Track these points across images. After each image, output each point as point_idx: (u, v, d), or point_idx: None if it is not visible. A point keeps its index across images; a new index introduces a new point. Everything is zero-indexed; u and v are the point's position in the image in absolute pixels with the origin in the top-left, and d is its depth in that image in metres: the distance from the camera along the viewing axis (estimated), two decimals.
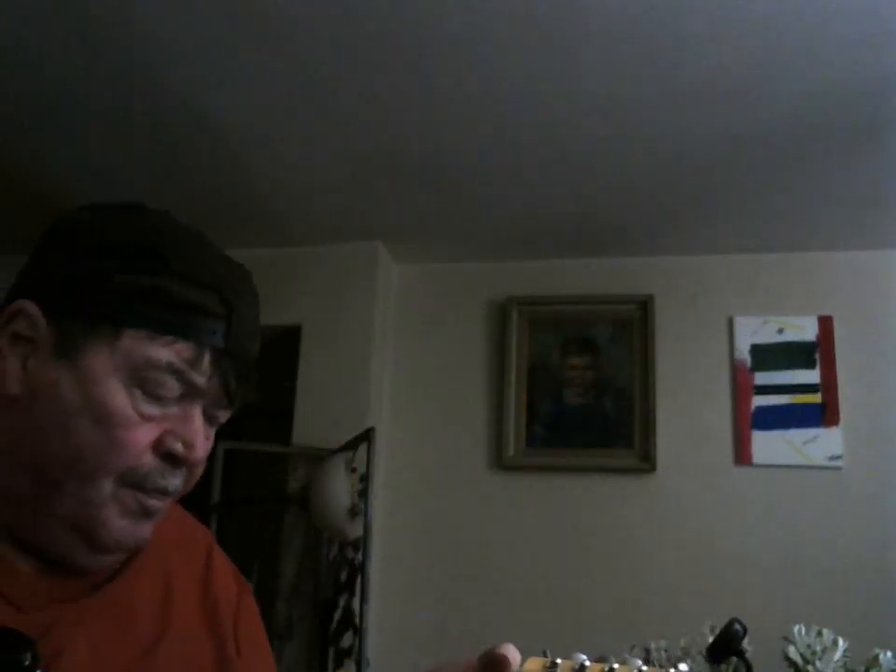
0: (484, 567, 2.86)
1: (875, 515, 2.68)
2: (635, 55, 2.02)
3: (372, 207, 2.85)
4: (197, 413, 0.73)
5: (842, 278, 2.92)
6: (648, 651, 1.90)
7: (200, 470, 0.76)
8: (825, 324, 2.87)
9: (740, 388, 2.88)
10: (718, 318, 2.96)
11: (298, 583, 2.78)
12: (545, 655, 0.73)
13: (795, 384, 2.84)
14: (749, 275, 2.98)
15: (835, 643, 1.86)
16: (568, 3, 1.86)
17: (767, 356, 2.89)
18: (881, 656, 1.88)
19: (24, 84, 2.22)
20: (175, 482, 0.73)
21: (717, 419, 2.87)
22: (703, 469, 2.83)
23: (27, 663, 0.61)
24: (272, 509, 2.99)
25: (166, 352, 0.70)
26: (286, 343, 3.05)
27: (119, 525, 0.71)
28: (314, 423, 2.91)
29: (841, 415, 2.78)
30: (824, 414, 2.80)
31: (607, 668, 0.72)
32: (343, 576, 2.71)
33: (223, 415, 0.77)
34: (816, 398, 2.82)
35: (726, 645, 0.76)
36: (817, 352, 2.86)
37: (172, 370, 0.70)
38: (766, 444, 2.81)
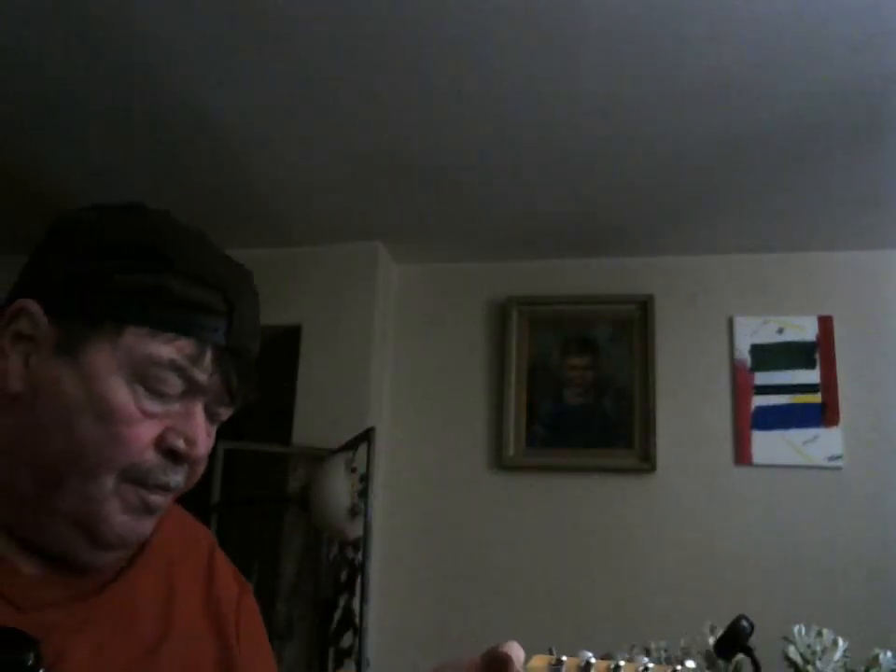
0: (484, 567, 2.86)
1: (875, 515, 2.68)
2: (635, 55, 2.02)
3: (372, 207, 2.85)
4: (199, 410, 0.74)
5: (842, 278, 2.92)
6: (648, 651, 1.90)
7: (202, 467, 0.76)
8: (825, 324, 2.87)
9: (740, 388, 2.88)
10: (718, 318, 2.96)
11: (298, 583, 2.78)
12: (551, 653, 0.73)
13: (795, 384, 2.84)
14: (749, 275, 2.98)
15: (835, 643, 1.86)
16: (568, 3, 1.86)
17: (767, 356, 2.89)
18: (881, 656, 1.88)
19: (24, 84, 2.22)
20: (177, 478, 0.74)
21: (717, 419, 2.87)
22: (703, 469, 2.83)
23: (30, 662, 0.61)
24: (272, 509, 2.99)
25: (168, 349, 0.70)
26: (286, 343, 3.05)
27: (121, 521, 0.71)
28: (314, 423, 2.91)
29: (841, 415, 2.78)
30: (824, 414, 2.80)
31: (612, 666, 0.73)
32: (343, 576, 2.72)
33: (225, 413, 0.78)
34: (816, 398, 2.82)
35: (733, 641, 0.76)
36: (817, 352, 2.86)
37: (174, 366, 0.71)
38: (766, 444, 2.81)
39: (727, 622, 0.86)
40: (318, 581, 2.79)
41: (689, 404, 2.90)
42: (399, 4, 1.88)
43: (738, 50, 1.99)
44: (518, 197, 2.74)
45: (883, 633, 2.15)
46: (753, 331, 2.92)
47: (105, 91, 2.24)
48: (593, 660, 0.73)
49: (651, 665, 0.74)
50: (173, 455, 0.72)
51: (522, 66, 2.08)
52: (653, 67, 2.06)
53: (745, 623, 0.77)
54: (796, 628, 1.89)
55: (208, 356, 0.72)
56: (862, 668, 1.89)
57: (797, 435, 2.80)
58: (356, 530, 2.56)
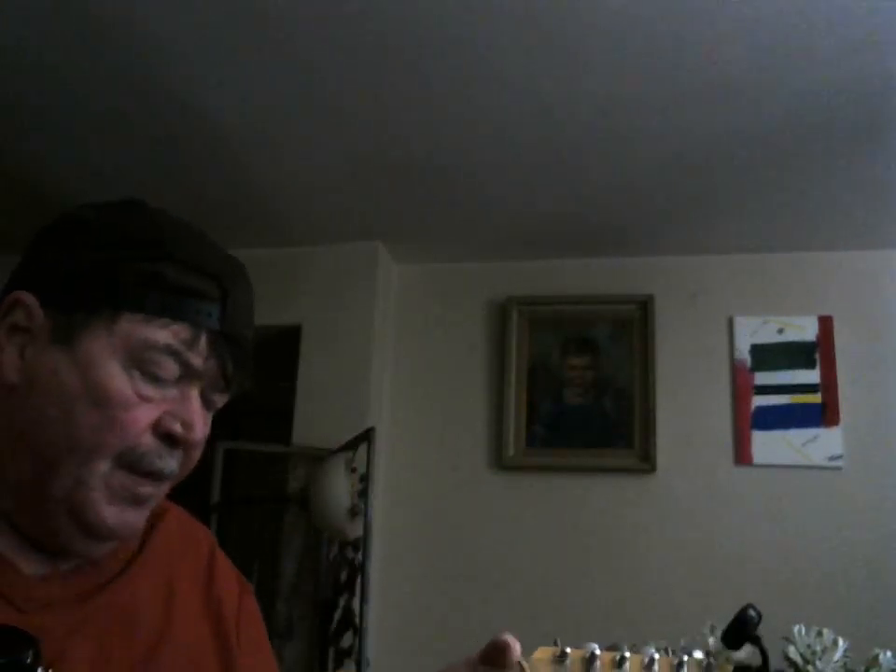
0: (484, 567, 2.86)
1: (875, 515, 2.68)
2: (635, 55, 2.02)
3: (372, 207, 2.85)
4: (195, 395, 0.74)
5: (842, 278, 2.92)
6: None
7: (197, 454, 0.77)
8: (825, 324, 2.87)
9: (740, 388, 2.88)
10: (718, 318, 2.96)
11: (298, 583, 2.78)
12: (555, 644, 0.73)
13: (795, 384, 2.84)
14: (749, 275, 2.98)
15: (835, 643, 1.86)
16: (568, 3, 1.86)
17: (767, 356, 2.89)
18: (881, 656, 1.88)
19: (24, 84, 2.22)
20: (172, 463, 0.74)
21: (717, 419, 2.87)
22: (703, 469, 2.83)
23: (29, 661, 0.61)
24: (272, 509, 2.99)
25: (164, 333, 0.71)
26: (286, 343, 3.05)
27: (110, 511, 0.71)
28: (314, 423, 2.91)
29: (841, 415, 2.78)
30: (824, 414, 2.80)
31: (618, 657, 0.72)
32: (343, 576, 2.71)
33: (220, 399, 0.78)
34: (816, 398, 2.82)
35: (741, 631, 0.76)
36: (817, 352, 2.86)
37: (169, 351, 0.71)
38: (766, 444, 2.81)
39: (727, 622, 0.85)
40: (318, 581, 2.79)
41: (689, 404, 2.90)
42: (399, 4, 1.88)
43: (738, 50, 1.99)
44: (518, 197, 2.74)
45: (883, 633, 2.15)
46: (753, 331, 2.92)
47: (105, 91, 2.24)
48: (598, 651, 0.73)
49: (656, 657, 0.74)
50: (169, 440, 0.73)
51: (522, 66, 2.08)
52: (653, 67, 2.06)
53: (752, 613, 0.77)
54: (796, 628, 1.89)
55: (203, 340, 0.73)
56: (862, 668, 1.89)
57: (797, 435, 2.80)
58: (356, 530, 2.56)
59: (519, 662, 0.71)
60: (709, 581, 2.67)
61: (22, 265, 0.76)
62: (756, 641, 0.76)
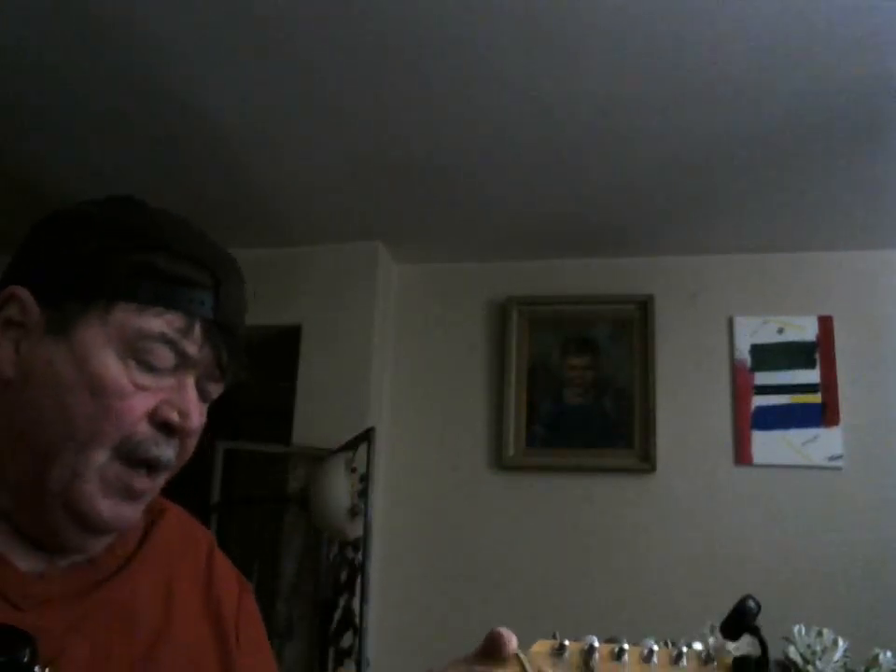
0: (484, 567, 2.86)
1: (875, 515, 2.68)
2: (635, 55, 2.02)
3: (372, 207, 2.85)
4: (191, 384, 0.75)
5: (842, 278, 2.92)
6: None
7: (192, 443, 0.77)
8: (825, 324, 2.87)
9: (740, 388, 2.88)
10: (718, 318, 2.96)
11: (298, 583, 2.78)
12: (554, 637, 0.74)
13: (795, 384, 2.84)
14: (749, 275, 2.98)
15: (835, 643, 1.86)
16: (568, 3, 1.86)
17: (767, 356, 2.89)
18: (881, 656, 1.88)
19: (24, 84, 2.22)
20: (169, 451, 0.74)
21: (717, 419, 2.87)
22: (703, 469, 2.83)
23: (26, 659, 0.61)
24: (272, 509, 2.99)
25: (158, 322, 0.72)
26: (286, 343, 3.05)
27: (104, 504, 0.72)
28: (314, 423, 2.91)
29: (841, 415, 2.78)
30: (824, 414, 2.80)
31: (617, 649, 0.73)
32: (343, 576, 2.71)
33: (215, 390, 0.79)
34: (816, 398, 2.82)
35: (740, 621, 0.76)
36: (817, 352, 2.86)
37: (164, 339, 0.72)
38: (766, 444, 2.81)
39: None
40: (318, 581, 2.79)
41: (689, 404, 2.90)
42: (399, 4, 1.88)
43: (738, 50, 1.99)
44: (518, 197, 2.74)
45: (883, 633, 2.15)
46: (753, 331, 2.92)
47: (105, 91, 2.24)
48: (596, 644, 0.73)
49: (655, 649, 0.74)
50: (166, 428, 0.73)
51: (522, 66, 2.08)
52: (653, 67, 2.06)
53: (751, 603, 0.77)
54: (796, 628, 1.89)
55: (197, 329, 0.74)
56: (862, 668, 1.89)
57: (797, 435, 2.80)
58: (356, 530, 2.56)
59: (517, 655, 0.72)
60: (709, 581, 2.67)
61: (15, 261, 0.77)
62: (755, 632, 0.76)
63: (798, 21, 1.87)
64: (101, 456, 0.71)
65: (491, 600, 2.79)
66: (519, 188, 2.67)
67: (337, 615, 2.66)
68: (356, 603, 2.55)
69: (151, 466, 0.74)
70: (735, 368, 2.90)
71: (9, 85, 2.22)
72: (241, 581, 0.91)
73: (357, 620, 2.50)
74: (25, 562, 0.72)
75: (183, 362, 0.74)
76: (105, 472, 0.71)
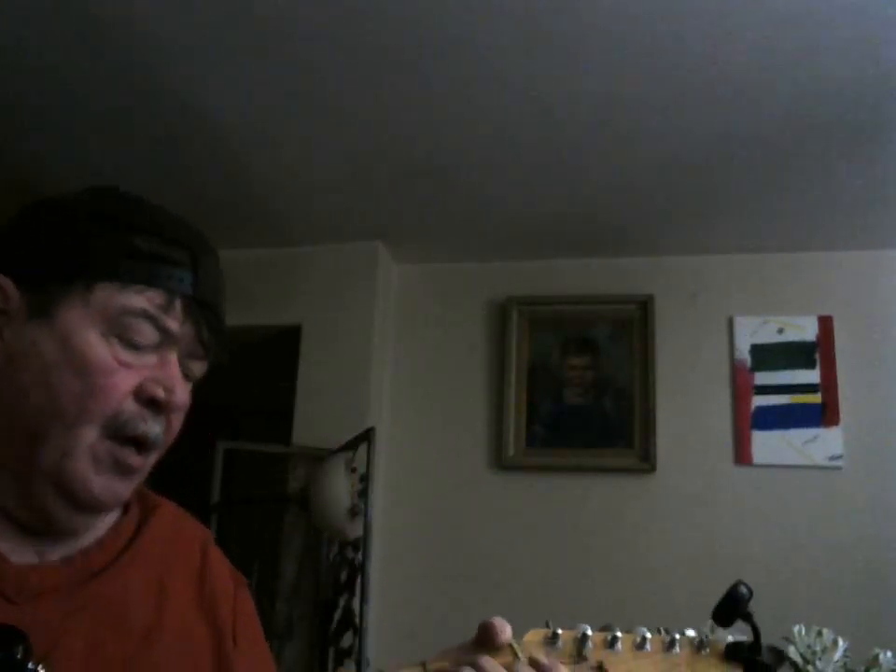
0: (484, 566, 2.86)
1: (875, 515, 2.68)
2: (635, 55, 2.02)
3: (372, 207, 2.85)
4: (174, 360, 0.76)
5: (842, 278, 2.92)
6: None
7: (179, 420, 0.78)
8: (825, 324, 2.87)
9: (740, 388, 2.88)
10: (718, 318, 2.96)
11: (298, 583, 2.78)
12: (547, 626, 0.74)
13: (795, 384, 2.84)
14: (749, 275, 2.98)
15: (835, 643, 1.86)
16: (568, 3, 1.86)
17: (767, 356, 2.89)
18: (881, 656, 1.88)
19: (24, 84, 2.22)
20: (156, 428, 0.75)
21: (717, 419, 2.87)
22: (703, 469, 2.83)
23: (19, 656, 0.61)
24: (272, 509, 2.99)
25: (139, 299, 0.73)
26: (286, 343, 3.05)
27: (96, 481, 0.72)
28: (314, 423, 2.91)
29: (841, 415, 2.78)
30: (824, 414, 2.80)
31: (610, 637, 0.73)
32: (343, 576, 2.71)
33: (198, 368, 0.80)
34: (816, 398, 2.82)
35: (732, 608, 0.76)
36: (817, 352, 2.86)
37: (146, 315, 0.73)
38: (766, 444, 2.81)
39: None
40: (318, 581, 2.79)
41: (689, 404, 2.90)
42: (399, 4, 1.88)
43: (738, 50, 1.99)
44: (518, 197, 2.74)
45: (883, 633, 2.15)
46: (753, 331, 2.92)
47: (105, 91, 2.24)
48: (589, 631, 0.73)
49: (648, 636, 0.74)
50: (152, 404, 0.74)
51: (522, 66, 2.08)
52: (653, 67, 2.06)
53: (744, 589, 0.77)
54: (796, 628, 1.89)
55: (178, 305, 0.75)
56: (862, 668, 1.89)
57: (797, 435, 2.80)
58: (356, 530, 2.56)
59: (511, 644, 0.72)
60: (709, 581, 2.65)
61: None
62: (748, 618, 0.76)
63: (798, 21, 1.87)
64: (89, 435, 0.72)
65: (491, 600, 2.79)
66: (519, 188, 2.67)
67: (337, 615, 2.66)
68: (356, 603, 2.55)
69: (140, 443, 0.74)
70: (735, 368, 2.90)
71: (9, 85, 2.22)
72: (236, 577, 0.91)
73: (357, 620, 2.50)
74: (17, 555, 0.72)
75: (165, 339, 0.75)
76: (96, 450, 0.72)
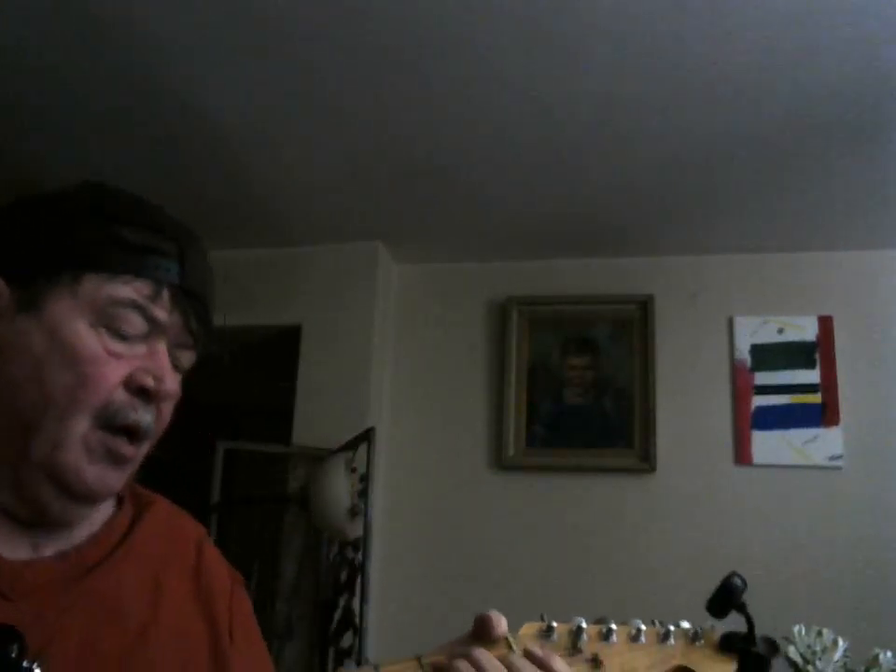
0: (484, 567, 2.86)
1: (875, 515, 2.68)
2: (635, 55, 2.02)
3: (372, 207, 2.85)
4: (163, 350, 0.77)
5: (842, 278, 2.92)
6: None
7: (169, 408, 0.78)
8: (825, 324, 2.87)
9: (740, 388, 2.88)
10: (718, 318, 2.96)
11: (298, 583, 2.78)
12: (542, 619, 0.74)
13: (795, 384, 2.84)
14: (749, 275, 2.98)
15: (835, 643, 1.86)
16: (568, 3, 1.86)
17: (767, 356, 2.89)
18: (881, 656, 1.88)
19: (24, 84, 2.22)
20: (147, 417, 0.75)
21: (717, 419, 2.87)
22: (703, 469, 2.83)
23: (14, 654, 0.61)
24: (272, 509, 2.99)
25: (126, 289, 0.74)
26: (286, 343, 3.05)
27: (89, 471, 0.73)
28: (314, 423, 2.91)
29: (841, 415, 2.78)
30: (824, 414, 2.80)
31: (605, 629, 0.73)
32: (343, 576, 2.71)
33: (187, 358, 0.80)
34: (816, 398, 2.82)
35: (727, 599, 0.76)
36: (817, 352, 2.86)
37: (134, 305, 0.74)
38: (766, 444, 2.81)
39: (727, 621, 0.85)
40: (318, 581, 2.79)
41: (689, 404, 2.90)
42: (399, 4, 1.88)
43: (738, 50, 1.99)
44: (518, 197, 2.74)
45: (883, 633, 2.15)
46: (753, 331, 2.92)
47: (105, 91, 2.24)
48: (584, 625, 0.73)
49: (643, 628, 0.74)
50: (142, 394, 0.74)
51: (522, 66, 2.08)
52: (654, 67, 2.06)
53: (737, 580, 0.77)
54: (796, 628, 1.90)
55: (165, 294, 0.76)
56: (862, 668, 1.89)
57: (797, 435, 2.80)
58: (356, 530, 2.56)
59: (506, 637, 0.72)
60: (709, 581, 2.64)
61: None
62: (742, 609, 0.77)
63: (798, 21, 1.87)
64: (81, 425, 0.72)
65: (491, 600, 2.77)
66: (519, 188, 2.67)
67: (337, 615, 2.66)
68: (356, 603, 2.55)
69: (132, 432, 0.75)
70: (735, 368, 2.90)
71: (9, 85, 2.22)
72: (232, 574, 0.91)
73: (357, 620, 2.50)
74: (11, 550, 0.73)
75: (153, 328, 0.75)
76: (88, 440, 0.72)
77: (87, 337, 0.72)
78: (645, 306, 2.98)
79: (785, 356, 2.87)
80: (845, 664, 1.86)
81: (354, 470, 2.59)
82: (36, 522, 0.75)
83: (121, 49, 2.06)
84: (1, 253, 0.76)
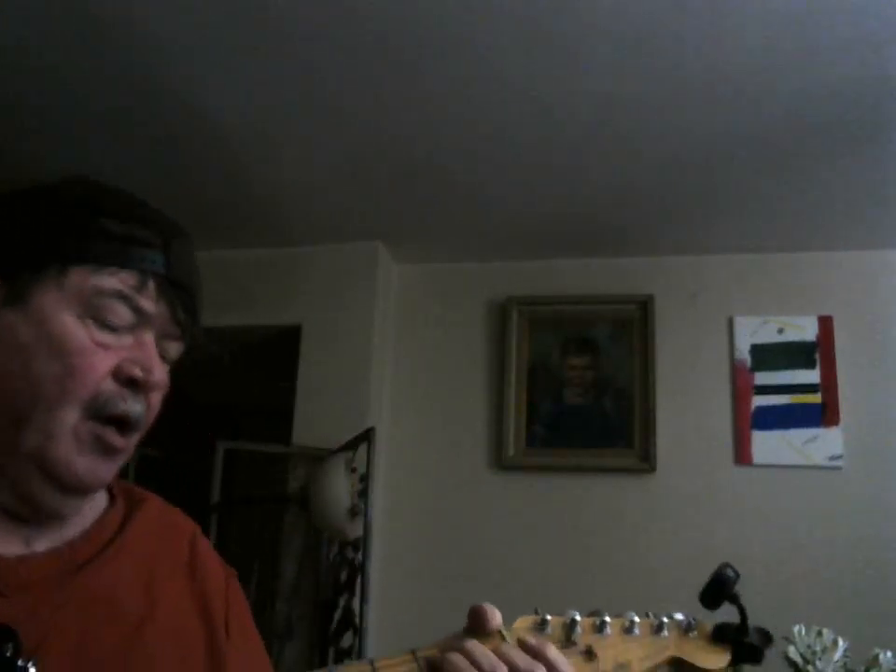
0: (484, 567, 2.86)
1: (875, 515, 2.68)
2: (635, 55, 2.02)
3: (372, 207, 2.85)
4: (150, 340, 0.77)
5: (842, 278, 2.92)
6: None
7: (157, 399, 0.79)
8: (825, 324, 2.87)
9: (740, 388, 2.88)
10: (718, 318, 2.96)
11: (298, 583, 2.78)
12: (536, 613, 0.74)
13: (795, 384, 2.84)
14: (749, 275, 2.98)
15: (835, 643, 1.86)
16: (568, 3, 1.86)
17: (767, 356, 2.89)
18: (881, 656, 1.88)
19: (24, 84, 2.22)
20: (137, 407, 0.76)
21: (717, 419, 2.87)
22: (703, 468, 2.83)
23: (9, 653, 0.61)
24: (272, 509, 2.99)
25: (112, 280, 0.74)
26: (286, 343, 3.05)
27: (80, 462, 0.73)
28: (314, 423, 2.91)
29: (841, 415, 2.78)
30: (824, 414, 2.80)
31: (599, 621, 0.73)
32: (343, 576, 2.71)
33: (175, 349, 0.81)
34: (816, 398, 2.82)
35: (719, 590, 0.76)
36: (817, 352, 2.86)
37: (120, 296, 0.74)
38: (766, 444, 2.81)
39: (726, 620, 0.85)
40: (318, 581, 2.79)
41: (689, 404, 2.90)
42: (399, 4, 1.88)
43: (738, 50, 1.99)
44: (518, 197, 2.74)
45: (883, 633, 2.15)
46: (753, 331, 2.92)
47: (105, 91, 2.24)
48: (578, 618, 0.74)
49: (636, 619, 0.74)
50: (130, 384, 0.75)
51: (522, 66, 2.08)
52: (653, 67, 2.06)
53: (730, 571, 0.77)
54: (796, 628, 1.89)
55: (151, 285, 0.76)
56: (862, 668, 1.89)
57: (797, 435, 2.80)
58: (356, 530, 2.56)
59: (500, 631, 0.72)
60: None
61: None
62: (734, 600, 0.77)
63: (797, 21, 1.87)
64: (71, 416, 0.72)
65: (491, 600, 2.77)
66: (519, 188, 2.67)
67: (337, 615, 2.66)
68: (356, 603, 2.55)
69: (122, 422, 0.75)
70: (735, 368, 2.90)
71: (9, 85, 2.22)
72: (225, 567, 0.91)
73: (357, 620, 2.50)
74: (3, 546, 0.73)
75: (140, 319, 0.76)
76: (78, 431, 0.73)
77: (74, 329, 0.73)
78: (645, 306, 2.98)
79: (785, 356, 2.87)
80: (845, 664, 1.86)
81: (354, 470, 2.59)
82: (28, 515, 0.75)
83: (121, 48, 2.06)
84: None
